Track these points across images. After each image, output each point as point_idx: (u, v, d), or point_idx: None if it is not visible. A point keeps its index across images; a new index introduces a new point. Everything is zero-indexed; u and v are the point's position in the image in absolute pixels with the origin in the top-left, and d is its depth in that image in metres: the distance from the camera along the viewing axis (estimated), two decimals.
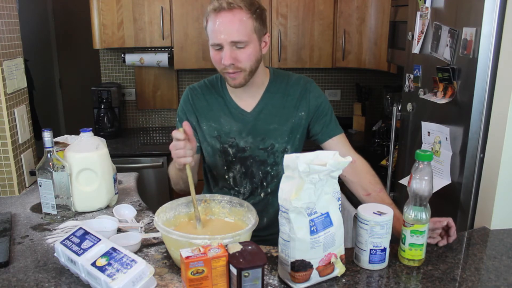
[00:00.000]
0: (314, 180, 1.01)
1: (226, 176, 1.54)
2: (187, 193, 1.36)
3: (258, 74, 1.44)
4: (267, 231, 1.50)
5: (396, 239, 1.21)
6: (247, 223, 1.23)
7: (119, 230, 1.36)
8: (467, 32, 1.43)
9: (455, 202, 1.52)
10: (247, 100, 1.48)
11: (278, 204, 1.49)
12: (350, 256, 1.19)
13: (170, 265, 1.18)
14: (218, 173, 1.55)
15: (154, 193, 2.90)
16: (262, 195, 1.54)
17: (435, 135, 1.63)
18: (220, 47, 1.33)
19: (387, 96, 2.98)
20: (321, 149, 1.50)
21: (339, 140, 1.53)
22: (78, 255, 1.06)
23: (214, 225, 1.30)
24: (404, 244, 1.16)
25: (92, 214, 1.53)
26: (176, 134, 1.23)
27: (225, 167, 1.53)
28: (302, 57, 3.10)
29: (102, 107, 3.10)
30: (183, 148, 1.24)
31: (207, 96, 1.51)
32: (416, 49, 1.77)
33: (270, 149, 1.49)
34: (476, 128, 1.43)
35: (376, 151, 2.82)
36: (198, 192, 1.33)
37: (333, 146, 1.51)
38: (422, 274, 1.14)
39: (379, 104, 3.37)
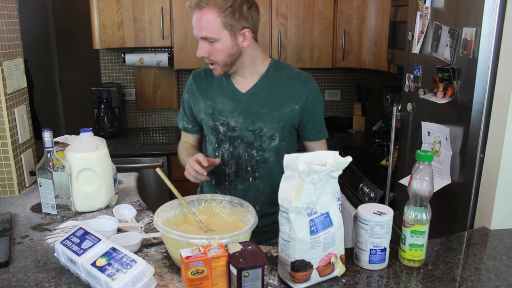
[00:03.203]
0: (314, 180, 1.01)
1: (216, 154, 1.61)
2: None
3: (251, 63, 1.53)
4: (259, 222, 1.49)
5: (396, 239, 1.21)
6: (247, 223, 1.23)
7: (119, 230, 1.36)
8: (467, 32, 1.43)
9: (455, 202, 1.52)
10: (243, 83, 1.56)
11: (269, 191, 1.55)
12: (350, 256, 1.19)
13: (170, 265, 1.18)
14: (210, 150, 1.64)
15: (154, 193, 2.90)
16: (250, 179, 1.58)
17: (435, 135, 1.63)
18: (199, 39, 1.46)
19: (387, 96, 2.98)
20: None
21: (322, 143, 1.65)
22: (78, 255, 1.06)
23: (215, 225, 1.30)
24: (404, 244, 1.16)
25: (92, 214, 1.53)
26: (203, 160, 1.42)
27: (216, 145, 1.60)
28: (302, 57, 3.10)
29: (102, 107, 3.10)
30: (199, 173, 1.41)
31: (208, 77, 1.61)
32: (416, 49, 1.76)
33: (258, 132, 1.53)
34: (476, 128, 1.43)
35: (376, 151, 2.82)
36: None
37: (315, 146, 1.61)
38: (422, 274, 1.14)
39: (379, 104, 3.37)
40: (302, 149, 1.62)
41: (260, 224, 1.40)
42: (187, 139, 1.74)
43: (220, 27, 1.40)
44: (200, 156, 1.44)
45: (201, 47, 1.45)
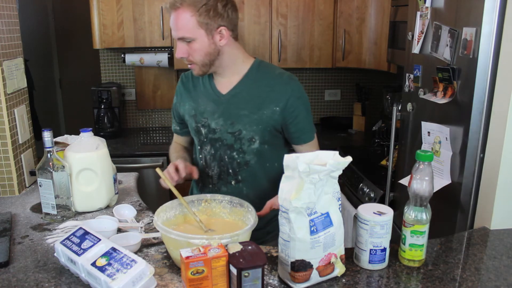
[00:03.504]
0: (314, 180, 1.01)
1: (200, 156, 1.61)
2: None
3: (231, 63, 1.51)
4: None
5: (396, 239, 1.21)
6: (247, 223, 1.23)
7: (119, 230, 1.36)
8: (467, 32, 1.43)
9: (455, 202, 1.52)
10: (225, 84, 1.54)
11: (254, 196, 1.53)
12: (350, 256, 1.19)
13: (170, 265, 1.18)
14: (196, 152, 1.65)
15: (154, 193, 2.90)
16: (233, 182, 1.57)
17: (435, 135, 1.63)
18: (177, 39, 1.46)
19: (387, 96, 2.98)
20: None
21: (310, 145, 1.57)
22: (78, 255, 1.06)
23: (215, 225, 1.30)
24: (404, 244, 1.16)
25: (92, 214, 1.53)
26: (181, 170, 1.44)
27: (199, 147, 1.61)
28: (302, 57, 3.10)
29: (102, 107, 3.10)
30: (172, 177, 1.42)
31: (194, 79, 1.62)
32: (416, 49, 1.76)
33: (238, 135, 1.52)
34: (476, 128, 1.43)
35: (376, 151, 2.82)
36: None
37: (302, 149, 1.56)
38: (422, 274, 1.14)
39: (379, 104, 3.36)
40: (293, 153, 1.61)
41: None
42: (178, 140, 1.77)
43: (196, 27, 1.40)
44: (180, 164, 1.44)
45: (179, 48, 1.45)
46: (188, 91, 1.61)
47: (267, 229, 1.56)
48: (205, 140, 1.57)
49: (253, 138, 1.51)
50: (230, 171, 1.56)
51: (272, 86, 1.51)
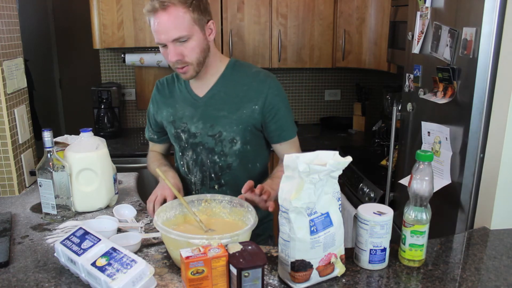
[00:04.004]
0: (314, 180, 1.01)
1: (182, 162, 1.59)
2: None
3: (212, 62, 1.47)
4: None
5: (396, 239, 1.21)
6: (247, 223, 1.23)
7: (119, 230, 1.36)
8: (467, 32, 1.43)
9: (455, 202, 1.52)
10: (201, 87, 1.52)
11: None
12: (350, 256, 1.19)
13: (170, 265, 1.18)
14: (177, 158, 1.63)
15: None
16: (216, 187, 1.55)
17: (435, 135, 1.63)
18: (165, 45, 1.37)
19: (387, 96, 2.98)
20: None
21: (291, 145, 1.53)
22: (78, 255, 1.06)
23: (215, 225, 1.30)
24: (404, 244, 1.16)
25: (92, 214, 1.53)
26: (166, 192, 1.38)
27: (180, 153, 1.59)
28: (302, 57, 3.10)
29: (102, 107, 3.10)
30: (155, 203, 1.37)
31: (170, 86, 1.59)
32: (416, 49, 1.76)
33: (218, 137, 1.49)
34: (476, 128, 1.43)
35: (376, 151, 2.82)
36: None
37: (282, 149, 1.52)
38: (422, 274, 1.14)
39: (379, 104, 3.37)
40: (275, 153, 1.58)
41: None
42: (155, 149, 1.74)
43: (191, 23, 1.34)
44: (169, 196, 1.37)
45: (173, 51, 1.35)
46: (165, 98, 1.58)
47: (256, 232, 1.45)
48: (186, 145, 1.54)
49: (234, 139, 1.48)
50: (213, 175, 1.54)
51: (249, 84, 1.48)
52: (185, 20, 1.33)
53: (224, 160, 1.51)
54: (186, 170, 1.58)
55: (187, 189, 1.59)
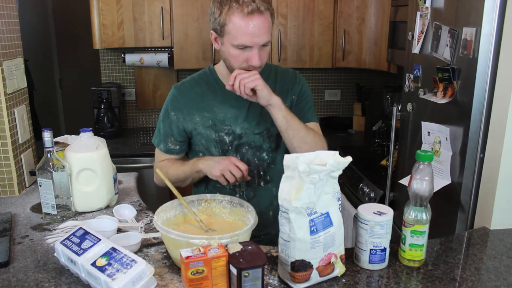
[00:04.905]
0: (314, 180, 1.01)
1: None
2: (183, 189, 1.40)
3: None
4: (273, 229, 1.35)
5: (396, 239, 1.21)
6: (247, 223, 1.23)
7: (119, 230, 1.36)
8: (467, 32, 1.43)
9: (455, 202, 1.52)
10: None
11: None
12: (350, 256, 1.19)
13: (170, 265, 1.18)
14: None
15: (154, 193, 2.90)
16: (262, 184, 1.54)
17: (435, 135, 1.63)
18: (244, 47, 1.34)
19: (387, 96, 2.98)
20: None
21: (313, 127, 1.54)
22: (78, 255, 1.06)
23: (215, 225, 1.30)
24: (404, 244, 1.16)
25: (92, 214, 1.53)
26: (240, 164, 1.37)
27: None
28: (302, 57, 3.10)
29: (102, 107, 3.10)
30: (238, 176, 1.36)
31: (196, 89, 1.52)
32: (416, 49, 1.76)
33: (266, 133, 1.50)
34: (476, 128, 1.43)
35: (376, 151, 2.82)
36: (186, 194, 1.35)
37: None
38: (422, 274, 1.14)
39: (379, 104, 3.37)
40: None
41: (273, 231, 1.31)
42: (167, 160, 1.59)
43: (271, 29, 1.38)
44: (234, 159, 1.38)
45: (259, 55, 1.36)
46: (194, 102, 1.50)
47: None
48: (229, 148, 1.51)
49: None
50: (261, 173, 1.53)
51: (283, 80, 1.54)
52: (271, 26, 1.37)
53: (272, 156, 1.53)
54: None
55: (230, 194, 1.48)
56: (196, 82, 1.54)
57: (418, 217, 1.14)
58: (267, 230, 1.47)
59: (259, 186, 1.54)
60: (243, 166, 1.38)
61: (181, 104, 1.51)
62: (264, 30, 1.34)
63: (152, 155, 2.81)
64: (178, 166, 1.52)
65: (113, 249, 1.05)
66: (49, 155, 1.43)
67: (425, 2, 1.69)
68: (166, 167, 1.54)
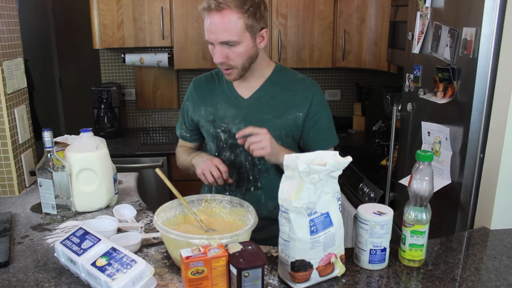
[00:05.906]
0: (314, 180, 1.01)
1: None
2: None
3: (259, 66, 1.47)
4: (259, 235, 1.37)
5: (396, 239, 1.21)
6: (247, 223, 1.23)
7: (119, 230, 1.36)
8: (467, 32, 1.43)
9: (455, 202, 1.52)
10: (246, 88, 1.50)
11: (272, 206, 1.47)
12: (350, 256, 1.19)
13: (170, 265, 1.18)
14: None
15: (154, 193, 2.90)
16: (252, 189, 1.53)
17: (435, 135, 1.63)
18: (213, 44, 1.38)
19: (387, 96, 2.98)
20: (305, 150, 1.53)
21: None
22: (78, 255, 1.06)
23: (215, 225, 1.30)
24: (404, 244, 1.16)
25: (92, 214, 1.53)
26: (221, 166, 1.39)
27: (216, 153, 1.55)
28: (302, 57, 3.10)
29: (102, 107, 3.10)
30: (216, 177, 1.38)
31: (209, 84, 1.57)
32: (416, 49, 1.76)
33: None
34: (476, 128, 1.43)
35: (376, 151, 2.82)
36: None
37: None
38: (422, 274, 1.14)
39: (379, 104, 3.37)
40: None
41: (259, 237, 1.33)
42: (185, 145, 1.69)
43: (243, 29, 1.33)
44: (217, 161, 1.40)
45: (219, 53, 1.36)
46: (203, 96, 1.55)
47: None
48: (224, 146, 1.52)
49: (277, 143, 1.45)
50: (251, 177, 1.52)
51: (295, 90, 1.48)
52: (237, 26, 1.32)
53: (264, 163, 1.49)
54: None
55: (220, 191, 1.55)
56: (210, 77, 1.58)
57: (418, 217, 1.14)
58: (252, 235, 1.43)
59: (248, 191, 1.53)
60: (223, 168, 1.40)
61: (193, 96, 1.58)
62: (221, 28, 1.32)
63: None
64: (186, 156, 1.59)
65: (113, 249, 1.05)
66: (49, 155, 1.43)
67: (425, 2, 1.69)
68: (179, 154, 1.66)
